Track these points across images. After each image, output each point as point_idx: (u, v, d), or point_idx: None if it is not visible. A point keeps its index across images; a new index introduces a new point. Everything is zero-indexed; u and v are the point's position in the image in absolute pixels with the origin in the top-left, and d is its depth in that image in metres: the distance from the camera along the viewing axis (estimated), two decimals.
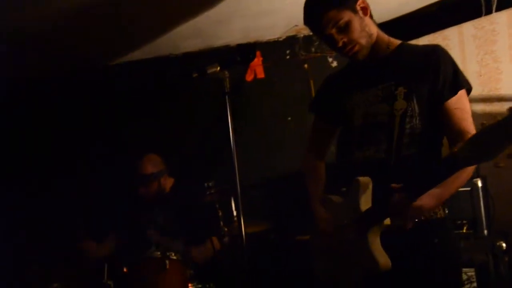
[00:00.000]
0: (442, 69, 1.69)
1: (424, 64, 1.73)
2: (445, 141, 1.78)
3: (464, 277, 2.69)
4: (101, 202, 3.56)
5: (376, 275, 1.64)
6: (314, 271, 1.97)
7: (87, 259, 3.13)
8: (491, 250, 2.73)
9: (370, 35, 1.78)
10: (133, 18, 3.26)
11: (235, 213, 2.97)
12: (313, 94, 3.70)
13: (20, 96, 4.03)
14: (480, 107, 3.17)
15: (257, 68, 3.84)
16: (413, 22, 3.57)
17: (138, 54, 3.90)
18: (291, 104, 3.86)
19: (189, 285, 2.84)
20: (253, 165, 3.55)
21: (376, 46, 1.80)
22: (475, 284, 2.72)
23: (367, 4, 1.79)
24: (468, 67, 3.23)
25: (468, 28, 3.30)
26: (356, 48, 1.76)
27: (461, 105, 1.69)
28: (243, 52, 2.00)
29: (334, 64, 3.83)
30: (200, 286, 2.89)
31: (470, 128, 1.64)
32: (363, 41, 1.76)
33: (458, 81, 1.70)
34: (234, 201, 2.91)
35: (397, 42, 1.85)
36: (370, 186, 1.68)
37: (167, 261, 2.71)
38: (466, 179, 1.69)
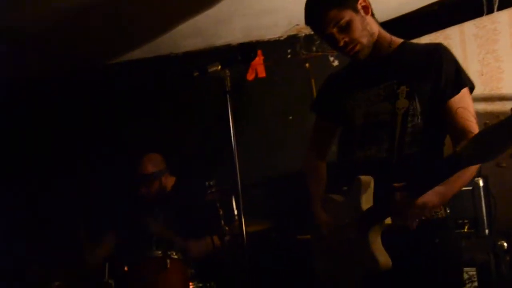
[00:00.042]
0: (445, 67, 1.69)
1: (426, 63, 1.72)
2: (447, 140, 1.78)
3: (466, 276, 2.69)
4: (102, 201, 3.55)
5: (376, 275, 1.63)
6: (315, 271, 1.97)
7: (89, 259, 3.13)
8: (493, 250, 2.72)
9: (371, 34, 1.77)
10: (133, 17, 3.26)
11: (236, 212, 2.97)
12: (315, 93, 3.70)
13: (20, 96, 4.03)
14: (481, 107, 3.17)
15: (258, 67, 3.83)
16: (414, 21, 3.56)
17: (138, 53, 3.89)
18: (292, 103, 3.86)
19: (190, 284, 2.84)
20: (254, 164, 3.55)
21: (378, 44, 1.80)
22: (476, 284, 2.72)
23: (369, 3, 1.79)
24: (470, 67, 3.22)
25: (469, 27, 3.29)
26: (358, 47, 1.75)
27: (464, 104, 1.68)
28: (244, 51, 1.99)
29: (336, 63, 3.83)
30: (201, 285, 2.89)
31: (473, 126, 1.63)
32: (364, 40, 1.75)
33: (461, 80, 1.70)
34: (235, 200, 2.91)
35: (399, 40, 1.84)
36: (372, 185, 1.68)
37: (168, 260, 2.71)
38: (470, 178, 1.68)
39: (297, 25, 3.71)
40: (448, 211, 1.75)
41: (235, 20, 3.50)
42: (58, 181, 3.81)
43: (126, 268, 2.77)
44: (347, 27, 1.72)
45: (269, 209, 3.61)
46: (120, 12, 3.13)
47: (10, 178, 3.80)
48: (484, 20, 3.23)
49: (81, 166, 3.86)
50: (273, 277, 3.41)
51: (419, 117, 1.70)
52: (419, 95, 1.70)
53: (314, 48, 3.88)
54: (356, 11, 1.73)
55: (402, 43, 1.83)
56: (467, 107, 1.68)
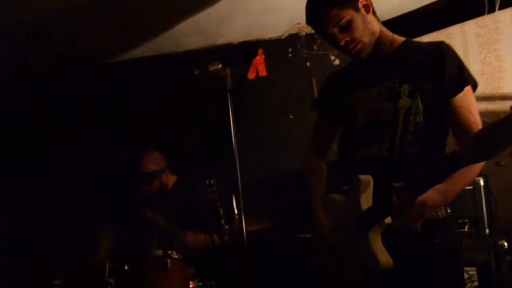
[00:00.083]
0: (447, 65, 1.68)
1: (429, 61, 1.71)
2: (448, 140, 1.77)
3: (466, 276, 2.69)
4: (102, 201, 3.55)
5: (377, 274, 1.63)
6: (316, 270, 1.97)
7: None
8: (493, 249, 2.72)
9: (373, 33, 1.77)
10: (134, 16, 3.26)
11: (236, 211, 2.97)
12: (315, 92, 3.71)
13: (20, 96, 4.03)
14: (482, 106, 3.16)
15: (259, 66, 3.83)
16: (415, 20, 3.56)
17: (139, 52, 3.89)
18: (293, 102, 3.85)
19: (190, 283, 2.85)
20: (254, 163, 3.55)
21: (379, 43, 1.79)
22: (476, 283, 2.72)
23: (370, 1, 1.78)
24: (471, 66, 3.22)
25: (471, 26, 3.28)
26: (359, 46, 1.75)
27: (467, 102, 1.67)
28: (245, 49, 1.99)
29: (337, 62, 3.82)
30: (201, 284, 2.89)
31: (477, 125, 1.61)
32: (365, 39, 1.75)
33: (464, 78, 1.69)
34: (236, 199, 2.91)
35: (401, 39, 1.83)
36: (371, 185, 1.67)
37: (168, 260, 2.71)
38: (474, 176, 1.68)
39: (298, 24, 3.70)
40: (449, 211, 1.75)
41: (236, 19, 3.49)
42: (58, 181, 3.81)
43: (126, 267, 2.77)
44: (348, 27, 1.72)
45: (270, 208, 3.61)
46: (121, 11, 3.13)
47: (10, 178, 3.80)
48: (486, 19, 3.22)
49: (82, 165, 3.86)
50: (273, 276, 3.41)
51: (421, 116, 1.69)
52: (422, 93, 1.69)
53: (315, 47, 3.87)
54: (357, 10, 1.73)
55: (404, 42, 1.82)
56: (470, 105, 1.67)
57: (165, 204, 3.25)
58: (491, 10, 3.20)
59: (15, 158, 3.92)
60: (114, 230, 3.33)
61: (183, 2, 3.16)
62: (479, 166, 1.64)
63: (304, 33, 3.88)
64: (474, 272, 2.72)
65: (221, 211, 2.96)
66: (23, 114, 4.00)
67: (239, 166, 1.91)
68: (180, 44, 3.84)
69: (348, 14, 1.71)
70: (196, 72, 1.98)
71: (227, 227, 2.94)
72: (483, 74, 3.21)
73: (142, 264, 2.78)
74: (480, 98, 3.13)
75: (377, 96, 1.78)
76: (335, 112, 1.95)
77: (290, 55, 3.92)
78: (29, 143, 3.96)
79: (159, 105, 3.98)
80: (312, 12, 1.79)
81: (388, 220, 1.63)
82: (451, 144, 1.73)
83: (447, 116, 1.70)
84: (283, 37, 3.92)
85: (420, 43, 1.87)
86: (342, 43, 1.74)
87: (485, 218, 2.75)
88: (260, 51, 3.80)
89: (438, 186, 1.53)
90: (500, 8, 3.17)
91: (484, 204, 2.76)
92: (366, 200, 1.67)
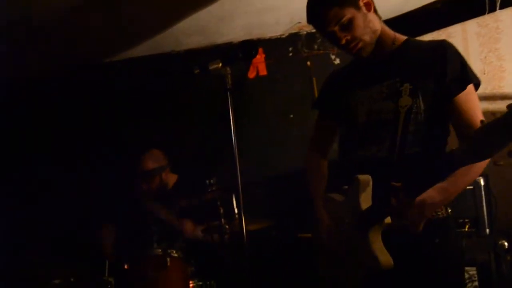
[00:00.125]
0: (450, 64, 1.66)
1: (431, 60, 1.70)
2: (449, 139, 1.77)
3: (466, 276, 2.68)
4: (102, 201, 3.55)
5: (377, 274, 1.62)
6: (316, 269, 1.97)
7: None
8: (493, 249, 2.72)
9: (374, 31, 1.76)
10: (134, 15, 3.25)
11: (236, 211, 2.97)
12: (316, 92, 3.70)
13: (20, 96, 4.03)
14: (483, 106, 3.14)
15: (259, 65, 3.83)
16: (416, 19, 3.55)
17: (139, 51, 3.89)
18: (293, 102, 3.85)
19: (190, 282, 2.85)
20: (254, 162, 3.55)
21: (381, 42, 1.78)
22: (476, 283, 2.71)
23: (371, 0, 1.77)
24: (472, 65, 3.14)
25: (471, 25, 3.28)
26: (360, 45, 1.74)
27: (470, 100, 1.66)
28: (246, 48, 1.98)
29: (337, 61, 3.82)
30: (201, 283, 2.89)
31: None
32: (366, 37, 1.74)
33: (467, 76, 1.67)
34: (236, 198, 2.91)
35: (403, 37, 1.82)
36: (370, 184, 1.67)
37: (168, 259, 2.72)
38: (476, 176, 1.67)
39: (298, 23, 3.70)
40: (450, 211, 1.74)
41: (236, 18, 3.49)
42: (58, 181, 3.80)
43: (126, 266, 2.77)
44: (349, 25, 1.71)
45: (270, 207, 3.60)
46: (121, 10, 3.13)
47: (10, 178, 3.80)
48: (487, 19, 3.22)
49: (82, 164, 3.86)
50: (274, 275, 3.41)
51: (422, 115, 1.68)
52: (423, 92, 1.68)
53: (315, 46, 3.87)
54: (358, 8, 1.72)
55: (406, 40, 1.81)
56: (473, 104, 1.66)
57: (165, 203, 3.25)
58: (492, 9, 3.20)
59: (15, 158, 3.91)
60: (115, 229, 3.33)
61: (184, 1, 3.15)
62: (481, 165, 1.62)
63: (305, 32, 3.87)
64: (474, 272, 2.72)
65: (221, 211, 2.96)
66: (23, 114, 4.00)
67: (239, 166, 1.91)
68: (180, 43, 3.84)
69: (349, 12, 1.70)
70: (196, 71, 1.98)
71: (227, 226, 2.95)
72: (484, 74, 3.20)
73: (141, 263, 2.78)
74: (481, 98, 3.08)
75: (378, 95, 1.77)
76: (336, 111, 1.94)
77: (290, 54, 3.91)
78: (29, 143, 3.95)
79: (159, 104, 3.97)
80: (313, 11, 1.78)
81: (388, 220, 1.62)
82: (452, 144, 1.73)
83: (449, 115, 1.69)
84: (284, 36, 3.92)
85: (422, 41, 1.86)
86: (343, 41, 1.73)
87: (486, 218, 2.74)
88: (260, 50, 3.80)
89: (438, 185, 1.51)
90: (501, 8, 3.17)
91: (484, 203, 2.75)
92: (365, 200, 1.67)
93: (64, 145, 3.93)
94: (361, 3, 1.73)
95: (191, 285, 2.85)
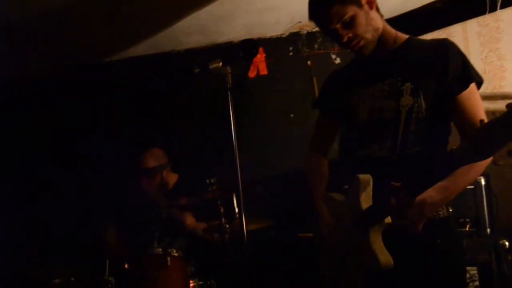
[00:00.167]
0: (451, 62, 1.66)
1: (432, 58, 1.69)
2: (450, 139, 1.76)
3: (467, 275, 2.68)
4: (102, 201, 3.55)
5: (378, 274, 1.62)
6: (316, 269, 1.96)
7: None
8: (494, 249, 2.71)
9: (376, 29, 1.75)
10: (135, 14, 3.25)
11: (236, 210, 2.96)
12: (316, 91, 3.70)
13: (20, 96, 4.02)
14: (484, 105, 3.12)
15: (260, 65, 3.82)
16: (417, 18, 3.55)
17: (140, 50, 3.88)
18: (293, 101, 3.85)
19: (190, 281, 2.84)
20: (255, 161, 3.55)
21: (382, 40, 1.78)
22: (477, 283, 2.71)
23: None
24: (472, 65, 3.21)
25: (472, 25, 3.28)
26: (362, 43, 1.73)
27: (472, 99, 1.66)
28: (246, 48, 1.98)
29: (337, 60, 3.82)
30: (201, 283, 2.89)
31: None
32: (368, 35, 1.73)
33: (469, 74, 1.67)
34: (236, 198, 2.90)
35: (405, 36, 1.82)
36: (371, 184, 1.66)
37: (168, 258, 2.71)
38: (476, 176, 1.67)
39: (299, 22, 3.69)
40: (451, 210, 1.73)
41: (237, 17, 3.49)
42: (58, 181, 3.80)
43: (126, 265, 2.77)
44: (351, 23, 1.70)
45: (270, 207, 3.60)
46: (121, 10, 3.12)
47: (10, 178, 3.80)
48: (487, 18, 3.21)
49: (81, 166, 3.86)
50: (274, 275, 3.40)
51: (424, 114, 1.67)
52: (425, 91, 1.67)
53: (316, 46, 3.86)
54: (360, 6, 1.71)
55: (407, 39, 1.81)
56: (475, 102, 1.66)
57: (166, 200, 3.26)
58: (493, 9, 3.20)
59: (15, 158, 3.91)
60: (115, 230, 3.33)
61: (184, 0, 3.15)
62: (482, 164, 1.61)
63: (305, 32, 3.87)
64: (475, 272, 2.72)
65: (222, 210, 2.96)
66: (23, 114, 3.99)
67: (240, 165, 1.91)
68: (180, 42, 3.83)
69: (351, 10, 1.70)
70: (197, 70, 1.98)
71: (227, 226, 2.94)
72: (485, 73, 3.20)
73: (142, 263, 2.78)
74: (482, 97, 3.06)
75: (380, 93, 1.76)
76: (337, 110, 1.94)
77: (291, 53, 3.91)
78: (29, 143, 3.95)
79: (160, 103, 3.97)
80: (315, 8, 1.78)
81: (388, 219, 1.62)
82: (453, 143, 1.72)
83: (452, 114, 1.69)
84: (284, 36, 3.92)
85: (423, 40, 1.85)
86: (345, 39, 1.73)
87: (486, 217, 2.74)
88: (260, 49, 3.80)
89: (438, 184, 1.51)
90: (502, 7, 3.17)
91: (485, 203, 2.75)
92: (366, 200, 1.66)
93: (64, 145, 3.92)
94: (363, 1, 1.73)
95: (191, 284, 2.85)
